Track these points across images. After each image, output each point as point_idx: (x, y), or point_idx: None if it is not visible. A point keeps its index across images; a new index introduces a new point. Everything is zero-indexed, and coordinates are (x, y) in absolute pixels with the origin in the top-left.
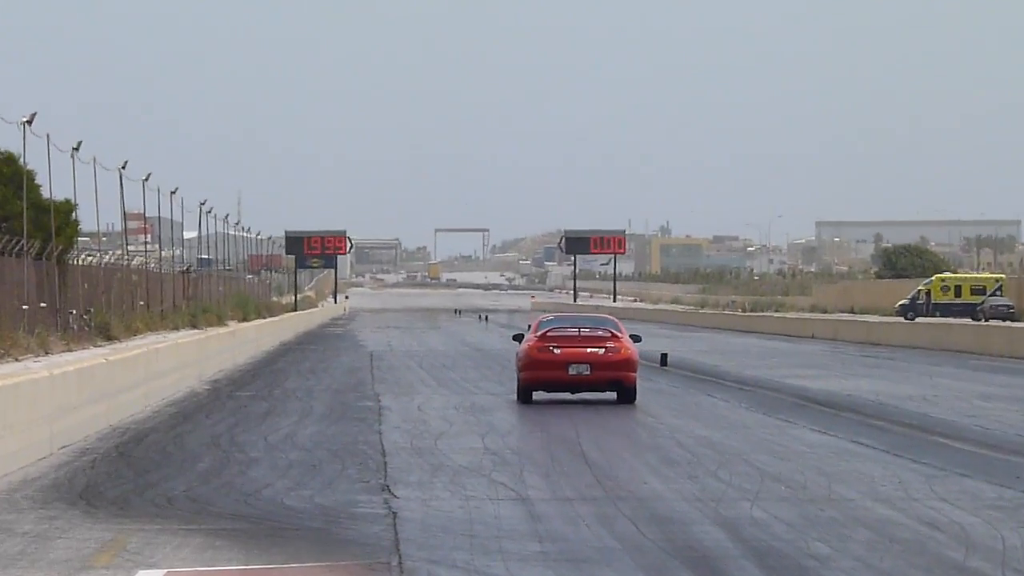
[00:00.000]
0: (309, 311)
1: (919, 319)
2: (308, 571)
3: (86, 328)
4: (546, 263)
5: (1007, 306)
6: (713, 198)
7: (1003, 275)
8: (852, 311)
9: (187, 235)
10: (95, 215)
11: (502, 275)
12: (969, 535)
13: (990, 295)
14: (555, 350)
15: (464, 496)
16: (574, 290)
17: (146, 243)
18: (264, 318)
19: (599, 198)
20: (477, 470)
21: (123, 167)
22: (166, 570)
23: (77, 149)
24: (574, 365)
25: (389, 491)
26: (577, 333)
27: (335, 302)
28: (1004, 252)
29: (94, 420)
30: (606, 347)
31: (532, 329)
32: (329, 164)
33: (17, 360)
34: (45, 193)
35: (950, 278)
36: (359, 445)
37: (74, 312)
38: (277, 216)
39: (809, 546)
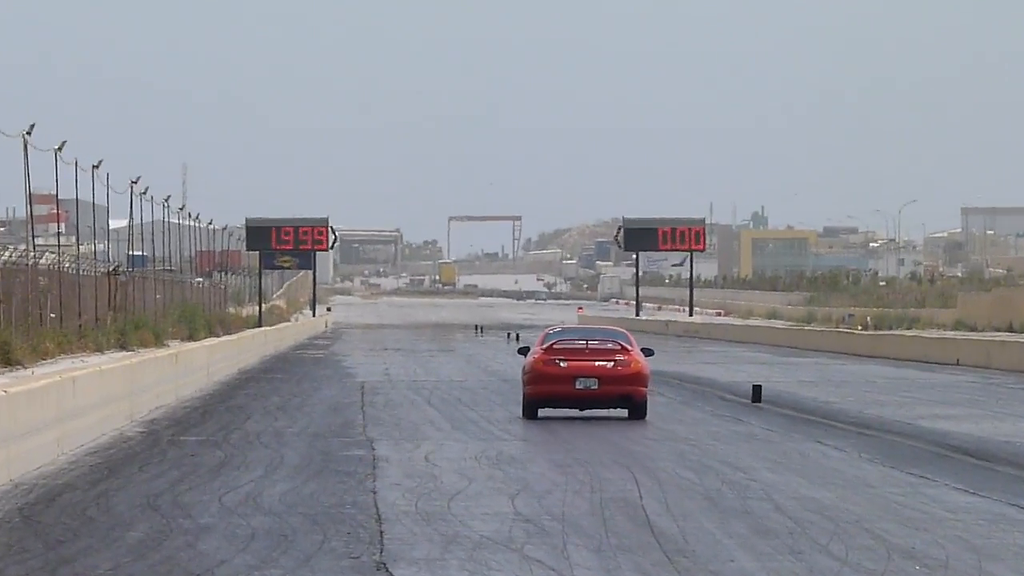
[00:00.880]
0: (279, 327)
1: None
2: None
3: None
4: (598, 263)
5: None
6: (824, 177)
7: None
8: (1011, 329)
9: (114, 224)
10: None
11: (539, 279)
12: None
13: None
14: (561, 363)
15: None
16: (636, 300)
17: (59, 234)
18: (218, 336)
19: (669, 177)
20: (505, 543)
21: (28, 132)
22: None
23: None
24: (581, 379)
25: (387, 571)
26: (585, 346)
27: (314, 315)
28: None
29: None
30: (615, 360)
31: (538, 342)
32: (306, 130)
33: None
34: None
35: None
36: (346, 508)
37: None
38: (236, 201)
39: None
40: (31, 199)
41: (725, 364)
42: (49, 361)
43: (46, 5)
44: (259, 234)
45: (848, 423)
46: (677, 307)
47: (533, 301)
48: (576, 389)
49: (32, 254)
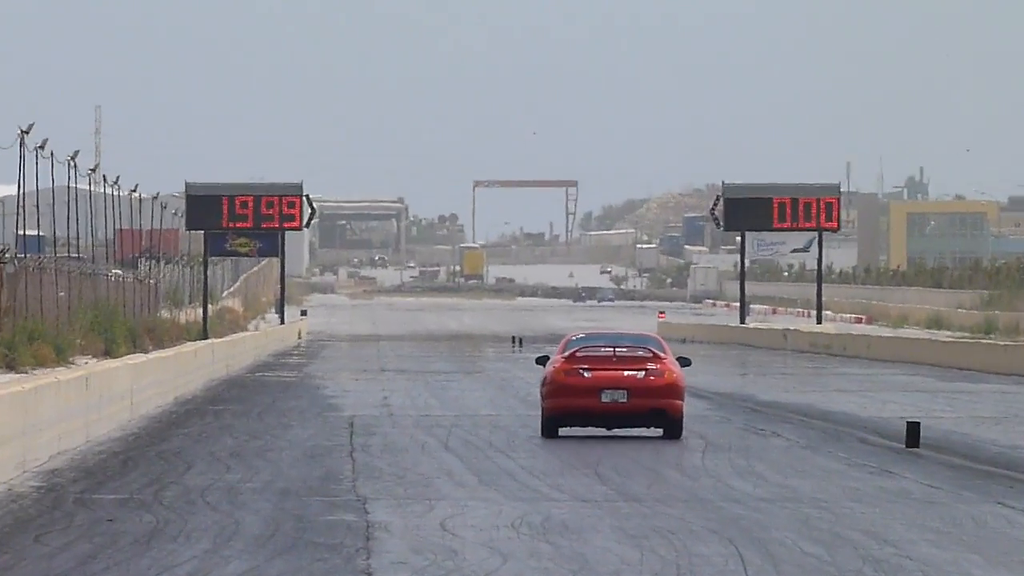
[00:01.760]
0: (231, 339)
1: None
2: None
3: None
4: (687, 248)
5: None
6: (1008, 130)
7: None
8: None
9: None
10: None
11: (604, 271)
12: None
13: None
14: (585, 373)
15: None
16: (741, 302)
17: None
18: (146, 352)
19: (786, 129)
20: None
21: None
22: None
23: None
24: (608, 391)
25: None
26: (612, 353)
27: (282, 321)
28: None
29: None
30: (646, 369)
31: (559, 349)
32: (277, 66)
33: None
34: None
35: None
36: None
37: None
38: (173, 160)
39: None
40: None
41: (868, 393)
42: None
43: None
44: (204, 206)
45: None
46: (799, 311)
47: (595, 302)
48: (602, 403)
49: None
